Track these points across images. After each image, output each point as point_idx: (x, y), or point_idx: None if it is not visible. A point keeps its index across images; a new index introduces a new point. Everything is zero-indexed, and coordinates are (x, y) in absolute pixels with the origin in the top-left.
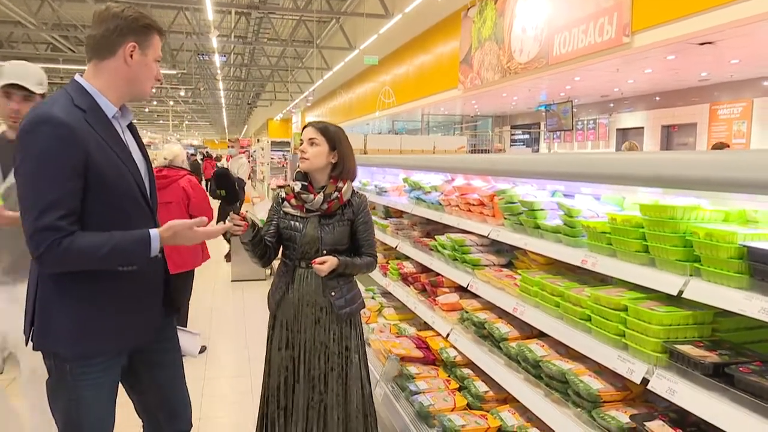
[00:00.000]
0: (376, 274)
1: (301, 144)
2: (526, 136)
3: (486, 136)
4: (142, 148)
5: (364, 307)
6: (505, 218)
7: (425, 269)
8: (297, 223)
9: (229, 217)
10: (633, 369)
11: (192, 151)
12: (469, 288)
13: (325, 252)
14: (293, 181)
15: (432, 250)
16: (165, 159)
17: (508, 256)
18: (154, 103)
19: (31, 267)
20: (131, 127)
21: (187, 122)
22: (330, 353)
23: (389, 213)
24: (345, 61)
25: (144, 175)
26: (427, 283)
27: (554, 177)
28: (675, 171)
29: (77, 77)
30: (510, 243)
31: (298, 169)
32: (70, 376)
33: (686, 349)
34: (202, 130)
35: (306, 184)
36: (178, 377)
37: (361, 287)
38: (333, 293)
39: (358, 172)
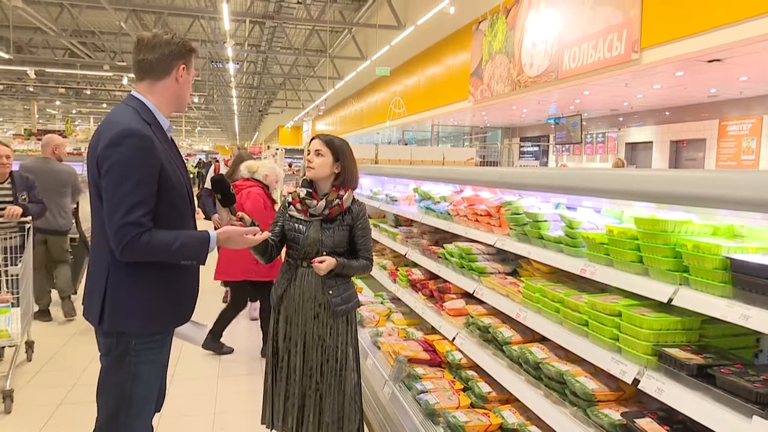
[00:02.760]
0: (385, 280)
1: (309, 154)
2: (535, 149)
3: (495, 148)
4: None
5: (359, 305)
6: (510, 228)
7: (433, 276)
8: (301, 226)
9: (228, 219)
10: (625, 370)
11: (204, 156)
12: (475, 294)
13: (324, 253)
14: (299, 187)
15: (440, 257)
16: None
17: (513, 265)
18: None
19: (92, 259)
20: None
21: (199, 128)
22: (326, 346)
23: (399, 221)
24: (357, 71)
25: (187, 180)
26: (435, 290)
27: (557, 190)
28: (667, 187)
29: (137, 95)
30: (515, 252)
31: (303, 177)
32: (133, 351)
33: (674, 352)
34: (214, 136)
35: (311, 191)
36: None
37: (370, 293)
38: (331, 291)
39: (370, 180)
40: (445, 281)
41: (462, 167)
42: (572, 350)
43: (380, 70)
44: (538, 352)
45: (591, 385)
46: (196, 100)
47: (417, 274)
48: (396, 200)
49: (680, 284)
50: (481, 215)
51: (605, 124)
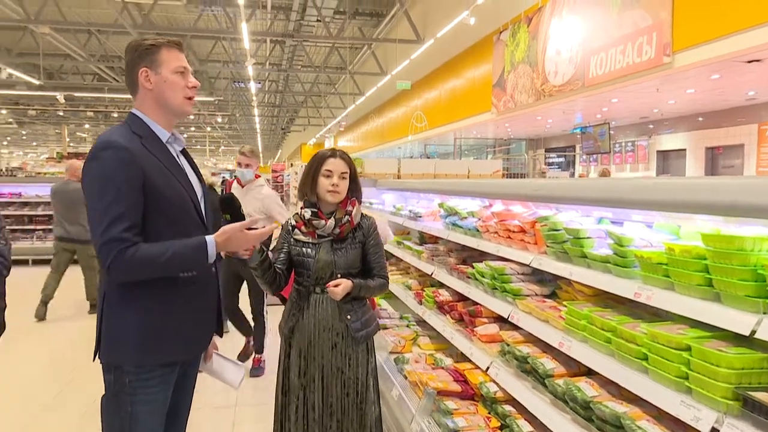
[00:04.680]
0: (410, 301)
1: (328, 175)
2: (561, 159)
3: (520, 160)
4: (196, 171)
5: (378, 329)
6: (547, 246)
7: (462, 297)
8: (309, 249)
9: None
10: (699, 417)
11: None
12: (509, 319)
13: (339, 275)
14: (302, 208)
15: (469, 278)
16: None
17: (551, 286)
18: (192, 129)
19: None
20: (185, 153)
21: (223, 147)
22: (345, 378)
23: (424, 239)
24: (377, 86)
25: (199, 195)
26: (465, 313)
27: (603, 204)
28: (744, 198)
29: (134, 110)
30: (554, 272)
31: (306, 197)
32: (128, 389)
33: (763, 397)
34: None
35: (315, 210)
36: (186, 405)
37: (396, 314)
38: (349, 316)
39: (392, 196)
40: (476, 303)
41: (491, 180)
42: (630, 389)
43: (401, 84)
44: (587, 388)
45: None
46: (219, 119)
47: (444, 295)
48: (420, 216)
49: (764, 313)
50: (513, 232)
51: (634, 133)
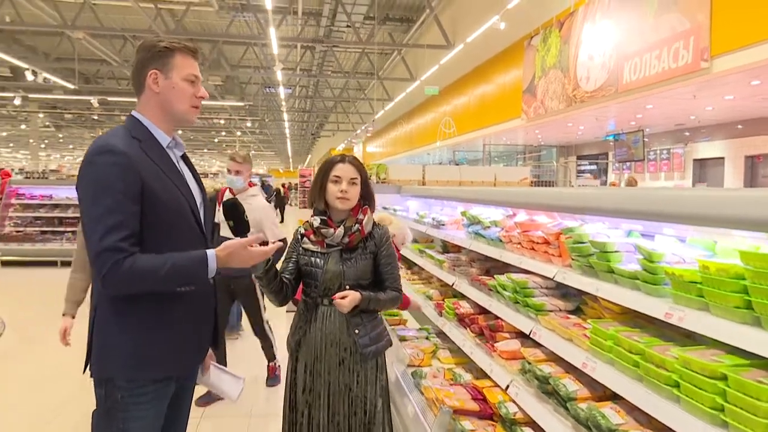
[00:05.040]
0: (431, 313)
1: (337, 181)
2: (593, 167)
3: (550, 167)
4: (196, 177)
5: (390, 345)
6: (572, 259)
7: (483, 310)
8: (317, 259)
9: None
10: None
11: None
12: (531, 335)
13: (347, 287)
14: (312, 216)
15: (491, 290)
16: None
17: (576, 302)
18: (223, 133)
19: (91, 297)
20: (185, 158)
21: (253, 152)
22: (353, 396)
23: (447, 248)
24: (406, 91)
25: (199, 202)
26: (486, 327)
27: (632, 216)
28: None
29: (134, 113)
30: (578, 287)
31: (315, 205)
32: (120, 405)
33: None
34: (268, 160)
35: (325, 218)
36: (183, 419)
37: (416, 325)
38: (357, 331)
39: (416, 203)
40: (497, 317)
41: (514, 188)
42: (657, 417)
43: (429, 89)
44: (612, 415)
45: None
46: (249, 124)
47: (465, 307)
48: (443, 224)
49: None
50: (537, 243)
51: (670, 140)
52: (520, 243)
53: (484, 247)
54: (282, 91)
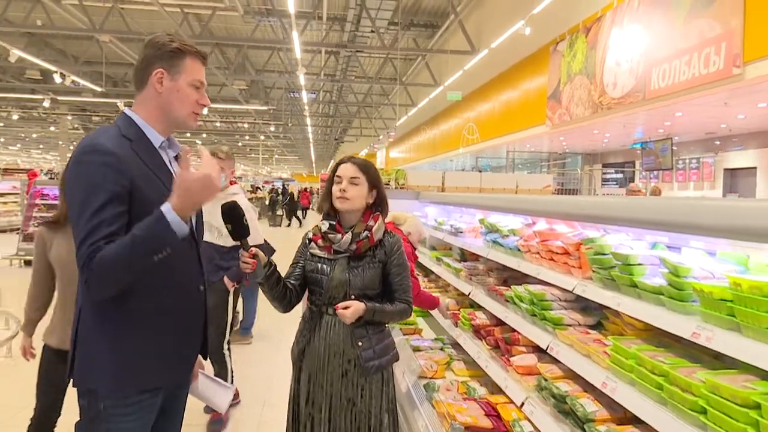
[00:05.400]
0: (446, 322)
1: (338, 181)
2: (619, 176)
3: (575, 175)
4: None
5: (396, 359)
6: (593, 271)
7: (500, 322)
8: (324, 266)
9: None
10: None
11: (280, 183)
12: (548, 350)
13: (352, 297)
14: (321, 220)
15: (508, 301)
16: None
17: (597, 316)
18: (247, 137)
19: (75, 301)
20: (178, 159)
21: (276, 156)
22: (357, 411)
23: (465, 256)
24: (429, 97)
25: None
26: (501, 339)
27: (658, 227)
28: None
29: (126, 110)
30: (599, 301)
31: (324, 208)
32: (103, 416)
33: None
34: (291, 164)
35: (334, 223)
36: (174, 430)
37: (431, 334)
38: (360, 343)
39: (435, 210)
40: (513, 330)
41: (533, 196)
42: None
43: (452, 95)
44: None
45: None
46: (272, 128)
47: (481, 318)
48: (461, 231)
49: None
50: (556, 253)
51: (700, 149)
52: (538, 253)
53: (502, 257)
54: (305, 96)
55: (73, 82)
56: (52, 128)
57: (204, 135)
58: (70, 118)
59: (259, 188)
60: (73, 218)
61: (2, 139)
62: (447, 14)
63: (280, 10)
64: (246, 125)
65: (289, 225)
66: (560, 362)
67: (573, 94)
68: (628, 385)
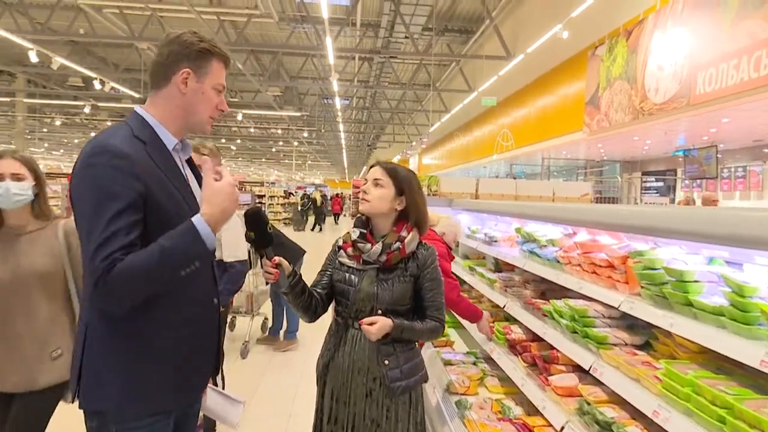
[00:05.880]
0: (480, 336)
1: (364, 184)
2: (660, 184)
3: (613, 183)
4: (200, 182)
5: (426, 380)
6: (642, 287)
7: (536, 337)
8: (352, 276)
9: (261, 263)
10: None
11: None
12: (591, 371)
13: (380, 312)
14: (352, 227)
15: (546, 315)
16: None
17: (645, 335)
18: (280, 143)
19: (80, 316)
20: (190, 162)
21: (309, 162)
22: None
23: (499, 266)
24: (463, 103)
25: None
26: (539, 357)
27: (721, 241)
28: None
29: (137, 109)
30: (649, 320)
31: (358, 215)
32: None
33: None
34: (324, 170)
35: (365, 231)
36: None
37: (463, 347)
38: (387, 361)
39: (469, 217)
40: (552, 347)
41: (575, 204)
42: None
43: (486, 100)
44: None
45: None
46: (305, 134)
47: (517, 332)
48: (496, 241)
49: None
50: (600, 266)
51: (747, 157)
52: (579, 265)
53: (540, 268)
54: (338, 102)
55: (112, 88)
56: (93, 134)
57: (238, 140)
58: (109, 123)
59: (292, 194)
60: (82, 227)
61: (46, 145)
62: (482, 19)
63: (314, 17)
64: (280, 131)
65: (312, 230)
66: (604, 384)
67: (612, 100)
68: (684, 416)
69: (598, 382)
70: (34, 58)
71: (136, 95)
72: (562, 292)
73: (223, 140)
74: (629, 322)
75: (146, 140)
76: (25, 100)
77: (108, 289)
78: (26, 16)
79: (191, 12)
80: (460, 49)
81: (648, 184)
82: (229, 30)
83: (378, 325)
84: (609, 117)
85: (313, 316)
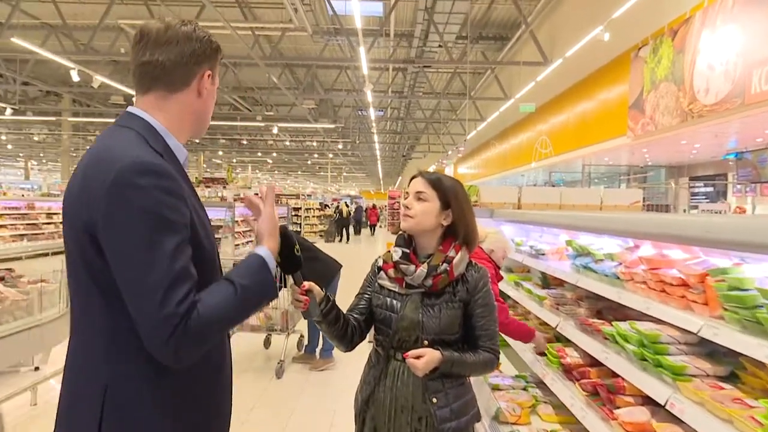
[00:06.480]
0: (529, 357)
1: (405, 197)
2: (709, 189)
3: (658, 189)
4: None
5: (478, 419)
6: (725, 310)
7: (595, 362)
8: (394, 301)
9: (288, 289)
10: None
11: (348, 201)
12: (668, 407)
13: (426, 342)
14: (393, 246)
15: (607, 338)
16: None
17: (729, 364)
18: (316, 155)
19: (72, 367)
20: None
21: (345, 173)
22: None
23: (547, 281)
24: (500, 110)
25: (213, 236)
26: (601, 386)
27: None
28: None
29: (140, 113)
30: (737, 349)
31: (400, 232)
32: None
33: None
34: (359, 181)
35: (408, 251)
36: None
37: (511, 370)
38: (435, 399)
39: (511, 228)
40: (615, 374)
41: (640, 214)
42: None
43: (524, 107)
44: None
45: None
46: (340, 146)
47: (573, 356)
48: (543, 254)
49: None
50: (672, 285)
51: None
52: (645, 282)
53: (596, 285)
54: (372, 113)
55: None
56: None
57: (274, 153)
58: None
59: (327, 206)
60: (132, 270)
61: None
62: (517, 25)
63: (348, 29)
64: (315, 143)
65: (340, 240)
66: (684, 423)
67: (658, 103)
68: None
69: (675, 419)
70: (75, 77)
71: None
72: (622, 311)
73: (260, 154)
74: (709, 350)
75: (162, 152)
76: (70, 119)
77: (188, 337)
78: (70, 38)
79: (227, 28)
80: (495, 56)
81: (696, 189)
82: (264, 44)
83: (425, 358)
84: (655, 120)
85: (349, 345)
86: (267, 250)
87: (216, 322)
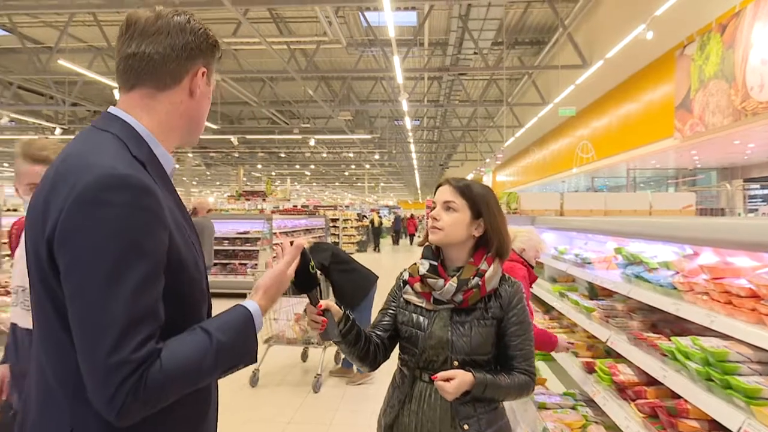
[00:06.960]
0: (576, 373)
1: (433, 207)
2: (766, 191)
3: (710, 192)
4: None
5: None
6: None
7: (652, 380)
8: (420, 318)
9: (304, 310)
10: None
11: (387, 212)
12: None
13: (456, 363)
14: (421, 259)
15: (665, 354)
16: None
17: None
18: (353, 167)
19: (36, 407)
20: None
21: (382, 184)
22: None
23: (595, 291)
24: (538, 116)
25: (201, 256)
26: (660, 407)
27: None
28: None
29: (122, 114)
30: None
31: (426, 244)
32: None
33: None
34: (396, 191)
35: (436, 264)
36: None
37: (558, 387)
38: (466, 426)
39: (554, 236)
40: (676, 395)
41: (702, 219)
42: None
43: (564, 111)
44: None
45: None
46: (377, 156)
47: (626, 374)
48: (590, 263)
49: None
50: (740, 296)
51: None
52: (707, 293)
53: (650, 295)
54: (408, 122)
55: None
56: (176, 165)
57: (312, 166)
58: (191, 155)
59: (365, 216)
60: (82, 304)
61: None
62: (554, 29)
63: (382, 40)
64: (351, 154)
65: (374, 250)
66: None
67: (708, 102)
68: None
69: None
70: (117, 95)
71: (214, 126)
72: (680, 324)
73: (298, 166)
74: None
75: (145, 160)
76: None
77: (143, 392)
78: (115, 59)
79: (262, 43)
80: (532, 61)
81: (751, 192)
82: (300, 58)
83: (456, 381)
84: (704, 120)
85: (372, 365)
86: (257, 307)
87: (180, 379)
